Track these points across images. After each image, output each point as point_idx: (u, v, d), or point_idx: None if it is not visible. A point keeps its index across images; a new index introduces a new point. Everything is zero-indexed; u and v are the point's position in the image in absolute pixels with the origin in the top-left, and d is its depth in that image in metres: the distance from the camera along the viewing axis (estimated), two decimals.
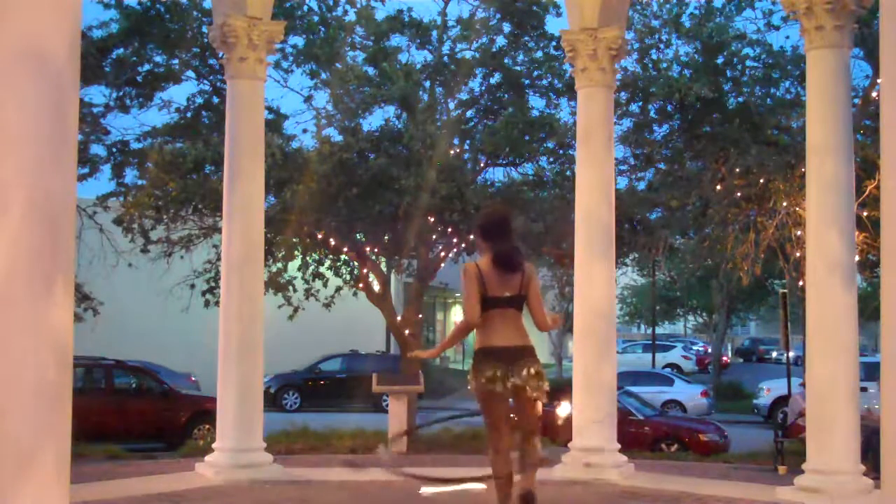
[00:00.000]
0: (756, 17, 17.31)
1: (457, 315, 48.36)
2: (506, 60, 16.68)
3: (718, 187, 15.22)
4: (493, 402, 6.04)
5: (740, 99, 15.70)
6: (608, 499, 8.73)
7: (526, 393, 5.98)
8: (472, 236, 6.59)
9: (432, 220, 15.07)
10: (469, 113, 17.15)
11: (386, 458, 7.01)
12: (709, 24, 15.39)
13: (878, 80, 7.91)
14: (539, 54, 16.58)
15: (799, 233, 13.89)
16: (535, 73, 16.58)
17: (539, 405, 6.11)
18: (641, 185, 16.35)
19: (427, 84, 16.72)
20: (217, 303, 13.39)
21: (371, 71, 16.23)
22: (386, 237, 15.95)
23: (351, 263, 16.06)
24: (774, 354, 47.76)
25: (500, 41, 16.66)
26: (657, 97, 15.10)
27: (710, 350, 43.01)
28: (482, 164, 16.57)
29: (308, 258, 15.75)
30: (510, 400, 6.09)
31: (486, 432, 6.21)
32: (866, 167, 13.22)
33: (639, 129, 15.87)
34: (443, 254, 16.35)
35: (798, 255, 14.19)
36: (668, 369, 34.20)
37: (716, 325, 38.90)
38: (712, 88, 14.79)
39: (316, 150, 14.95)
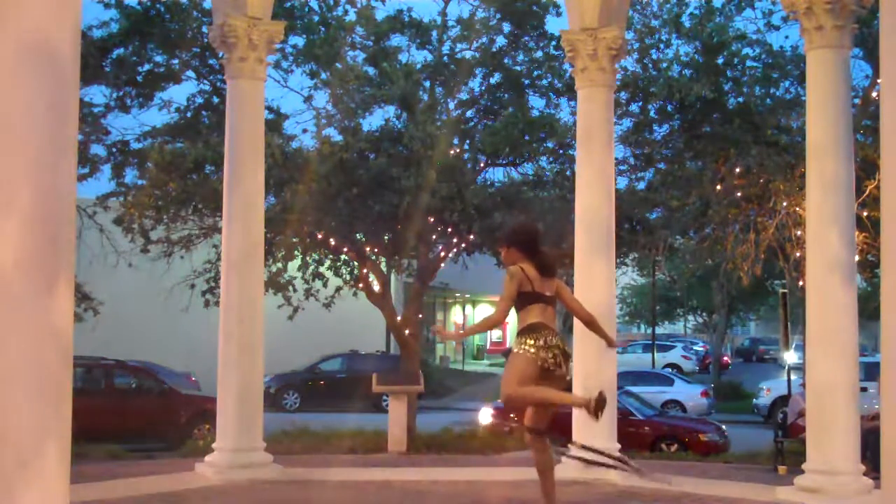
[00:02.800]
0: (756, 17, 17.27)
1: (456, 315, 48.41)
2: (506, 60, 16.66)
3: (718, 187, 15.22)
4: (533, 366, 6.54)
5: (740, 99, 15.68)
6: (608, 499, 8.73)
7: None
8: (504, 250, 6.97)
9: (432, 220, 15.06)
10: (469, 113, 17.13)
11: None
12: (709, 24, 15.37)
13: (878, 80, 7.91)
14: (539, 54, 16.55)
15: (799, 233, 13.90)
16: (535, 73, 16.56)
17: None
18: (641, 185, 16.33)
19: (427, 84, 16.70)
20: (217, 303, 13.39)
21: (371, 71, 16.21)
22: (386, 237, 15.94)
23: (351, 263, 16.06)
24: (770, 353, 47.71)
25: (500, 41, 16.64)
26: (657, 97, 15.08)
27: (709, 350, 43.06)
28: (482, 164, 16.55)
29: (308, 258, 15.75)
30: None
31: (505, 379, 6.67)
32: (866, 167, 13.23)
33: (639, 129, 15.85)
34: (443, 254, 16.35)
35: (798, 255, 14.20)
36: (668, 369, 34.20)
37: (716, 325, 38.91)
38: (712, 88, 14.78)
39: (316, 150, 14.94)
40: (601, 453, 7.94)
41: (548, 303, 6.75)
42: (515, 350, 6.66)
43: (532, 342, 6.56)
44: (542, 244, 7.07)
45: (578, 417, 9.76)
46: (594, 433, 9.63)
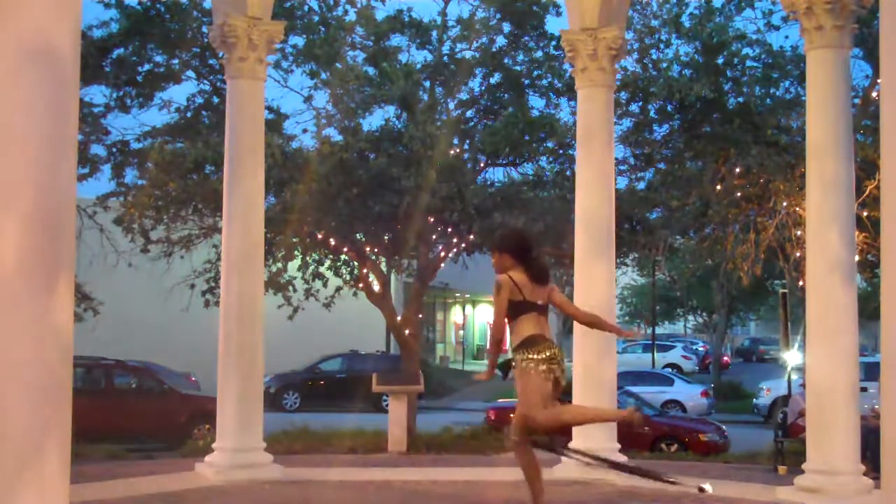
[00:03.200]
0: (756, 17, 17.23)
1: (456, 315, 48.41)
2: (506, 60, 16.66)
3: (718, 187, 15.22)
4: (546, 382, 6.47)
5: (740, 99, 15.67)
6: (608, 499, 8.74)
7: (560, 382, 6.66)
8: (495, 256, 6.85)
9: (432, 220, 15.06)
10: (469, 113, 17.13)
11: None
12: (709, 24, 15.36)
13: (878, 80, 7.91)
14: (539, 54, 16.55)
15: (799, 233, 13.90)
16: (535, 73, 16.56)
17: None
18: (641, 185, 16.33)
19: (427, 84, 16.70)
20: (217, 303, 13.39)
21: (371, 71, 16.21)
22: (386, 237, 15.95)
23: (351, 263, 16.06)
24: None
25: (500, 41, 16.64)
26: (657, 97, 15.08)
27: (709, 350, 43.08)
28: (482, 164, 16.55)
29: (308, 258, 15.75)
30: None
31: (529, 403, 6.50)
32: (866, 167, 13.23)
33: (639, 129, 15.85)
34: (443, 254, 16.35)
35: (798, 255, 14.20)
36: (668, 369, 34.21)
37: (716, 325, 38.90)
38: (712, 88, 14.78)
39: (316, 150, 14.95)
40: (597, 458, 7.85)
41: (540, 311, 6.64)
42: (520, 368, 6.49)
43: (535, 356, 6.44)
44: (534, 250, 6.94)
45: None
46: (592, 434, 9.63)
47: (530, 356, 6.45)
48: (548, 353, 6.46)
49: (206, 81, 16.82)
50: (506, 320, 6.63)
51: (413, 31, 16.59)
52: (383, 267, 17.09)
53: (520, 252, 6.74)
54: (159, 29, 15.72)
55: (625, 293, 47.89)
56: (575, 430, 9.76)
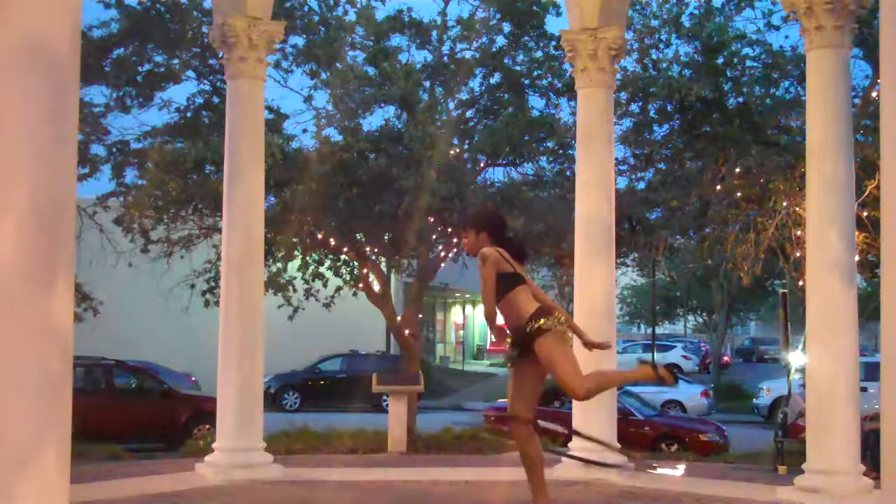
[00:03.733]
0: (756, 17, 17.23)
1: (456, 315, 48.40)
2: (506, 60, 16.66)
3: (718, 187, 15.22)
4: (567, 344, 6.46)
5: (740, 99, 15.68)
6: (608, 499, 8.73)
7: None
8: (470, 236, 6.70)
9: (432, 220, 15.07)
10: (469, 113, 17.13)
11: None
12: (709, 24, 15.37)
13: (878, 80, 7.91)
14: (539, 54, 16.56)
15: (799, 233, 13.90)
16: (535, 73, 16.56)
17: None
18: (641, 185, 16.34)
19: (427, 84, 16.70)
20: (217, 303, 13.39)
21: (371, 71, 16.22)
22: (386, 237, 15.95)
23: (351, 263, 16.06)
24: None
25: (500, 41, 16.64)
26: (657, 97, 15.08)
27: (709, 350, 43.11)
28: (482, 164, 16.56)
29: (308, 258, 15.76)
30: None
31: (568, 374, 6.33)
32: (866, 167, 13.22)
33: (639, 129, 15.85)
34: (443, 254, 16.35)
35: (798, 255, 14.20)
36: None
37: (716, 325, 38.92)
38: (712, 88, 14.79)
39: (316, 150, 14.96)
40: (600, 442, 7.80)
41: (525, 284, 6.49)
42: (550, 334, 6.24)
43: (547, 321, 6.27)
44: (508, 229, 6.87)
45: (578, 411, 9.76)
46: (592, 430, 9.63)
47: (544, 321, 6.27)
48: (560, 319, 6.36)
49: (206, 81, 16.83)
50: (495, 301, 6.38)
51: (413, 31, 16.59)
52: (383, 267, 17.09)
53: (496, 230, 6.65)
54: (159, 29, 15.72)
55: (625, 293, 47.91)
56: (575, 421, 9.76)
